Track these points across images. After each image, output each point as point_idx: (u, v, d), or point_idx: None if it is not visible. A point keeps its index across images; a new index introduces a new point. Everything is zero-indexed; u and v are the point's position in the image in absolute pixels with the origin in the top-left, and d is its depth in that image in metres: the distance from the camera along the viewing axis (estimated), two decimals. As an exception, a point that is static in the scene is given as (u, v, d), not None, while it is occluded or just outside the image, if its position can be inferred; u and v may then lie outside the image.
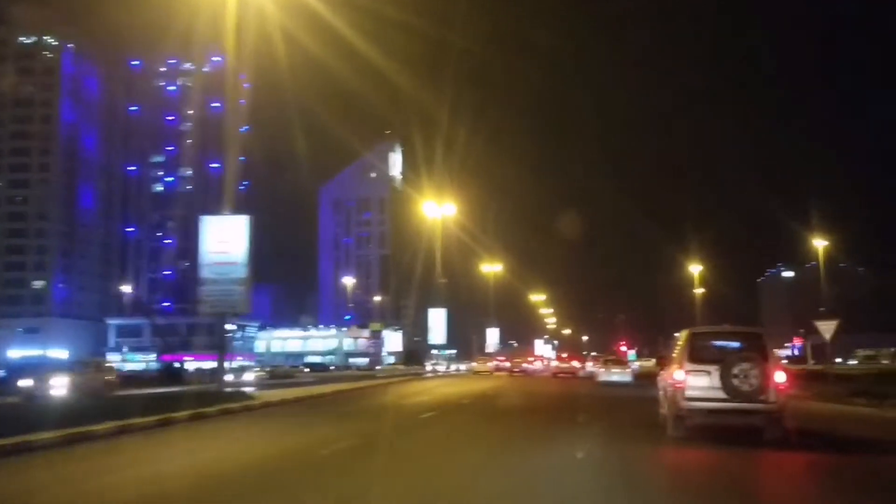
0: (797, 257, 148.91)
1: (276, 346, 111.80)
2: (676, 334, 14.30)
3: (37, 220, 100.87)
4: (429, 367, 69.22)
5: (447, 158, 65.01)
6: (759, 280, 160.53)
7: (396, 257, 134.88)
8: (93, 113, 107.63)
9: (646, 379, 40.62)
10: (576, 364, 51.27)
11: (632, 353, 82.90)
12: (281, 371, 57.40)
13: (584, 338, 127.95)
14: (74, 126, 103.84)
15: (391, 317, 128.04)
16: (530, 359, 69.74)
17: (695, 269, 61.29)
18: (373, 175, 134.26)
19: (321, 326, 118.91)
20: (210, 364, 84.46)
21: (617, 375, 35.67)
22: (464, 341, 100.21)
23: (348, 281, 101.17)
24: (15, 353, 74.86)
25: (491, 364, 59.26)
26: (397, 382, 37.22)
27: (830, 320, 23.71)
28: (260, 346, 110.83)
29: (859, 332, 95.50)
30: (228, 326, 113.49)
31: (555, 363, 55.67)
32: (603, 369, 37.52)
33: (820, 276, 43.87)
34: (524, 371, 52.12)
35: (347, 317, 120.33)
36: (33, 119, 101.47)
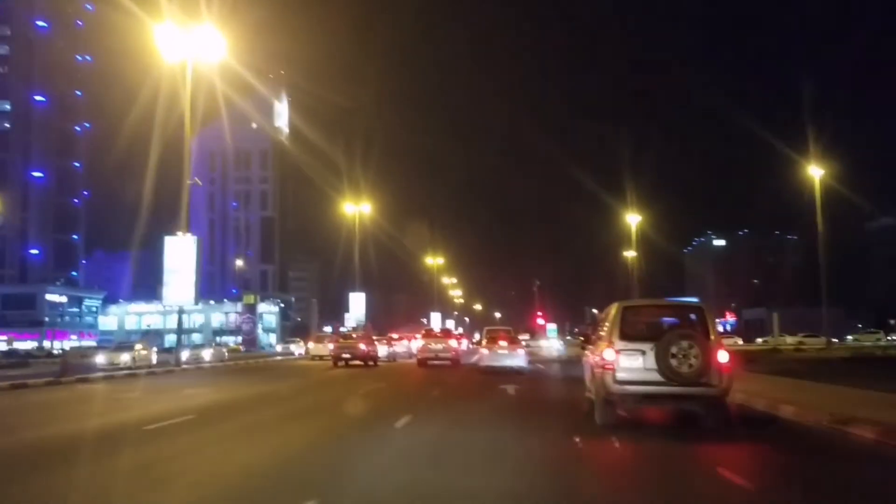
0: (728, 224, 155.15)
1: (131, 323, 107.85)
2: (593, 310, 14.15)
3: None
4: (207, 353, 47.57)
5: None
6: (685, 250, 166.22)
7: (282, 220, 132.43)
8: None
9: (553, 365, 36.58)
10: (454, 344, 37.81)
11: (551, 328, 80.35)
12: None
13: (497, 314, 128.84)
14: None
15: (278, 290, 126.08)
16: (394, 335, 54.81)
17: (633, 220, 56.88)
18: (254, 125, 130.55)
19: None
20: (31, 343, 78.67)
21: (506, 359, 29.40)
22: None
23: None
24: None
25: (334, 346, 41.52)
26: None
27: None
28: (108, 322, 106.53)
29: (786, 306, 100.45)
30: (55, 298, 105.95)
31: (420, 343, 39.41)
32: (487, 351, 30.91)
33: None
34: (366, 357, 36.73)
35: (234, 290, 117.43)
36: None
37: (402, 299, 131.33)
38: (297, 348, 61.96)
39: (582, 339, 17.51)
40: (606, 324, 12.18)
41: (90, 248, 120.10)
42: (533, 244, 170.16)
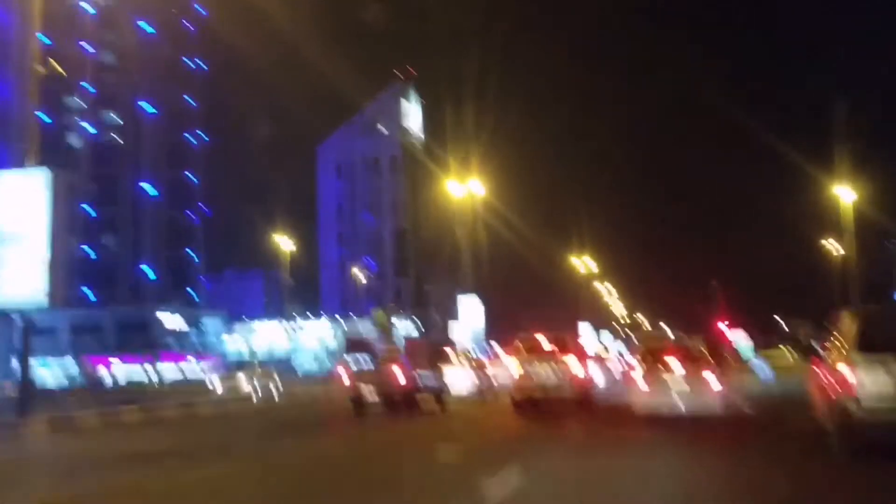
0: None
1: (258, 343, 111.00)
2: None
3: None
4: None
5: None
6: (886, 241, 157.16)
7: (416, 231, 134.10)
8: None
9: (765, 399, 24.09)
10: (576, 367, 22.26)
11: (744, 344, 62.93)
12: None
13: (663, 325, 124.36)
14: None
15: (415, 305, 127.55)
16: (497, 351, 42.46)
17: (844, 195, 42.87)
18: (380, 127, 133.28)
19: (309, 316, 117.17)
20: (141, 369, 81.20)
21: (684, 396, 17.13)
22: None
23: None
24: None
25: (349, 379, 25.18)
26: None
27: None
28: (233, 343, 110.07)
29: None
30: (168, 318, 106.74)
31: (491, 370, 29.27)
32: (644, 384, 17.95)
33: None
34: (408, 393, 23.53)
35: (369, 308, 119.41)
36: None
37: (553, 314, 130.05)
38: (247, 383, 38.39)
39: (806, 352, 16.53)
40: (841, 334, 11.40)
41: (220, 267, 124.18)
42: (704, 239, 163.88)
